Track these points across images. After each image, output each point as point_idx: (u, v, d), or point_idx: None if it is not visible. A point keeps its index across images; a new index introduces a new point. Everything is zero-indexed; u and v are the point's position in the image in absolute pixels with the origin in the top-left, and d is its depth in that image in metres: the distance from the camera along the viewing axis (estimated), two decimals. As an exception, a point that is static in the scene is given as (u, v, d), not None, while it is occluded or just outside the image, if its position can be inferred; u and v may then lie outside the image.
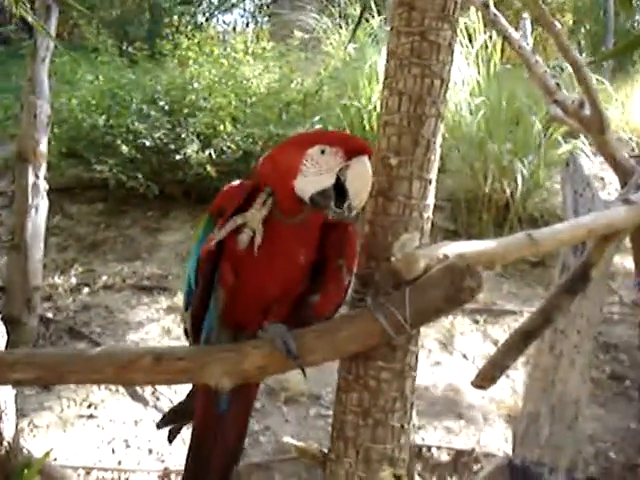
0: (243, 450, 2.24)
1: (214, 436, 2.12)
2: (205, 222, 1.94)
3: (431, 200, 1.98)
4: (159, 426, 2.27)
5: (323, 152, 1.78)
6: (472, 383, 2.42)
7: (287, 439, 2.22)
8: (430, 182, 1.96)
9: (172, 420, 2.28)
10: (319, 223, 1.91)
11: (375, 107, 7.32)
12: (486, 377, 2.39)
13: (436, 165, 1.97)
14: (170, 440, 2.29)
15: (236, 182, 1.94)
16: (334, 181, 1.76)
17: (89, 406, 5.01)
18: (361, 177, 1.77)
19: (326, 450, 2.03)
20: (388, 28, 2.05)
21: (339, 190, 1.77)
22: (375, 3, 8.16)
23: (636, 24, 13.01)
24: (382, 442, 1.94)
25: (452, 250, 1.86)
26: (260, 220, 1.81)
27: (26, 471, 3.72)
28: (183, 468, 2.17)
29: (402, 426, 1.96)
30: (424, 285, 1.81)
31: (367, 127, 7.36)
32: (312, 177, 1.78)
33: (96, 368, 1.83)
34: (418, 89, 1.92)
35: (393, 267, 1.88)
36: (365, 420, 1.93)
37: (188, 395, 2.24)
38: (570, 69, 3.24)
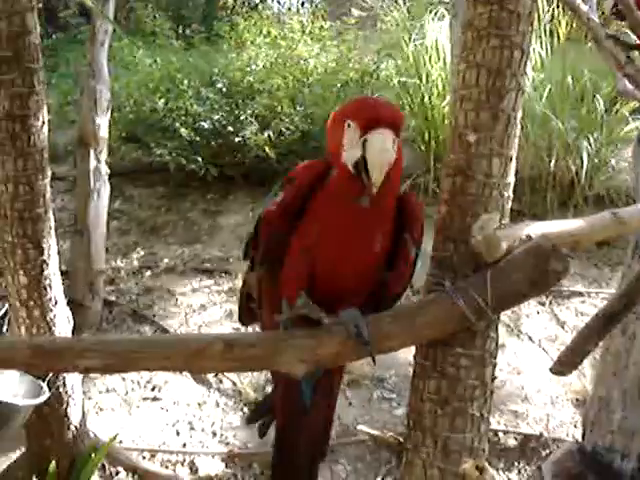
0: (329, 443, 2.18)
1: (298, 430, 2.07)
2: (275, 190, 1.93)
3: (511, 178, 1.89)
4: (249, 421, 2.26)
5: (349, 126, 1.76)
6: (551, 369, 2.34)
7: (361, 427, 2.17)
8: (511, 159, 1.88)
9: (260, 414, 2.26)
10: (393, 204, 1.83)
11: (436, 84, 7.21)
12: (566, 363, 2.31)
13: (516, 141, 1.88)
14: (261, 435, 2.26)
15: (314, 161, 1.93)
16: (361, 153, 1.73)
17: (153, 388, 5.05)
18: (374, 152, 1.71)
19: (401, 439, 1.97)
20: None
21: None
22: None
23: None
24: (461, 431, 1.88)
25: (535, 230, 1.78)
26: None
27: (93, 455, 3.77)
28: (261, 457, 2.16)
29: (482, 415, 1.90)
30: (506, 268, 1.73)
31: (428, 104, 7.23)
32: (349, 150, 1.76)
33: (166, 355, 1.80)
34: (497, 61, 1.83)
35: (473, 249, 1.81)
36: (443, 409, 1.88)
37: (273, 389, 2.21)
38: None
